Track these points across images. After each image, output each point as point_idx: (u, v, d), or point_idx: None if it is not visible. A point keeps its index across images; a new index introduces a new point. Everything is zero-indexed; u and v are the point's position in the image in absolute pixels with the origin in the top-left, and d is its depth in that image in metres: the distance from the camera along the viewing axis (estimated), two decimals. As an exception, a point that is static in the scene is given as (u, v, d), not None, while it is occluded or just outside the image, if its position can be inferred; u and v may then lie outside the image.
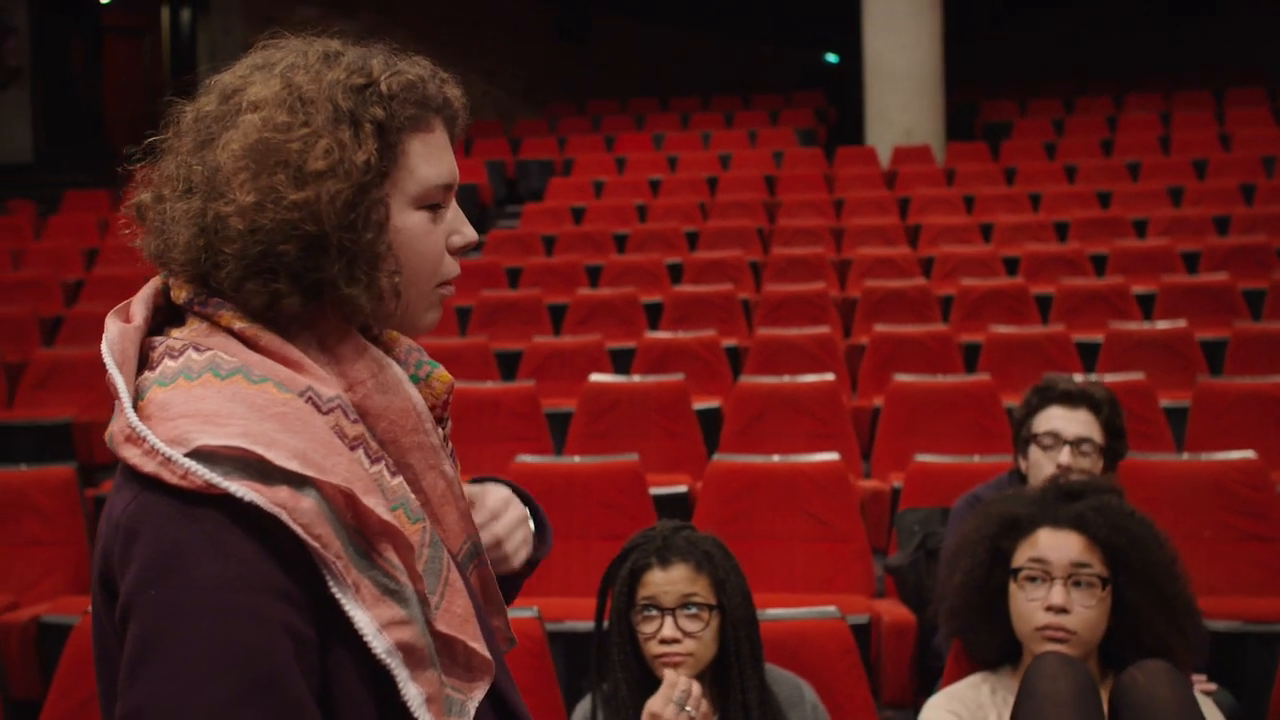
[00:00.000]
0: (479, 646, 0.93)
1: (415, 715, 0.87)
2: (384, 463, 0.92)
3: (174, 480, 0.82)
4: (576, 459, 3.36)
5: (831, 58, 17.50)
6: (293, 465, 0.83)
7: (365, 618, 0.85)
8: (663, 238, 7.49)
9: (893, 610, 2.77)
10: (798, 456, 3.17)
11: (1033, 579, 1.85)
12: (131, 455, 0.85)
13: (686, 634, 1.78)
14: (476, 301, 6.27)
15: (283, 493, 0.83)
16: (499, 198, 10.08)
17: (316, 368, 0.92)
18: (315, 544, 0.83)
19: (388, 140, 0.94)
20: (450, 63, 1.06)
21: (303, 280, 0.91)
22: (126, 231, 1.00)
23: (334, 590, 0.85)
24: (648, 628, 1.80)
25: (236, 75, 0.97)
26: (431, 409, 0.98)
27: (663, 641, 1.78)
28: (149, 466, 0.83)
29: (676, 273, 6.83)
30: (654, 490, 3.38)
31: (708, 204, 8.24)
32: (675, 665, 1.77)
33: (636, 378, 4.49)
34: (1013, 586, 1.88)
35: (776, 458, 3.18)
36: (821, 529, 3.02)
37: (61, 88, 10.96)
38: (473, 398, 4.32)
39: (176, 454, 0.82)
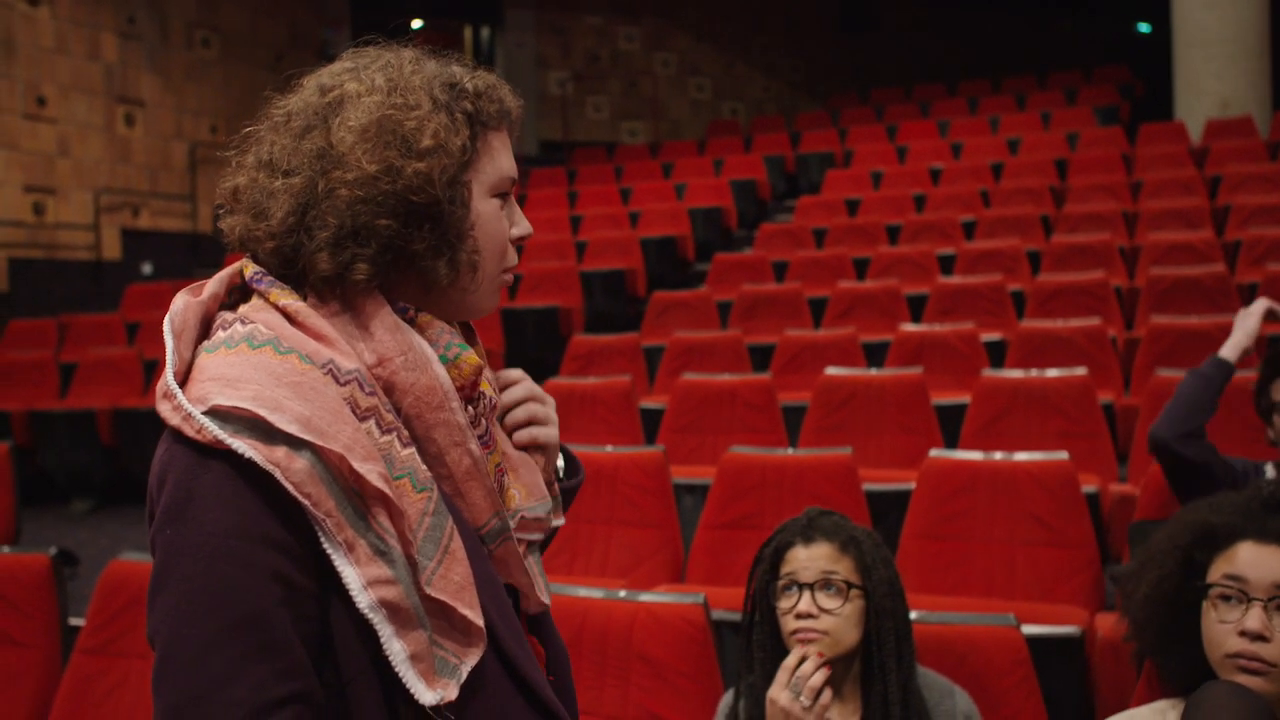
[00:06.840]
0: (472, 614, 0.97)
1: (397, 670, 0.93)
2: (395, 434, 0.98)
3: (191, 434, 0.92)
4: (789, 451, 3.31)
5: (1143, 27, 16.01)
6: (292, 429, 0.91)
7: (353, 573, 0.92)
8: (938, 228, 7.20)
9: (1114, 624, 2.53)
10: (1021, 454, 2.95)
11: (1227, 598, 1.62)
12: (164, 409, 0.95)
13: (823, 610, 1.72)
14: (737, 295, 6.30)
15: (279, 452, 0.91)
16: (777, 192, 10.06)
17: (343, 343, 0.99)
18: (306, 501, 0.91)
19: (474, 131, 1.05)
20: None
21: (389, 252, 0.99)
22: (221, 209, 1.09)
23: (325, 546, 0.92)
24: (785, 603, 1.76)
25: (329, 75, 1.07)
26: (460, 389, 1.03)
27: (798, 616, 1.73)
28: (174, 420, 0.94)
29: (948, 264, 6.55)
30: (871, 486, 3.27)
31: (990, 191, 7.84)
32: (809, 641, 1.71)
33: (874, 370, 4.35)
34: (1205, 605, 1.66)
35: (999, 455, 2.98)
36: (1044, 533, 2.80)
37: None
38: (711, 389, 4.35)
39: (195, 411, 0.92)
